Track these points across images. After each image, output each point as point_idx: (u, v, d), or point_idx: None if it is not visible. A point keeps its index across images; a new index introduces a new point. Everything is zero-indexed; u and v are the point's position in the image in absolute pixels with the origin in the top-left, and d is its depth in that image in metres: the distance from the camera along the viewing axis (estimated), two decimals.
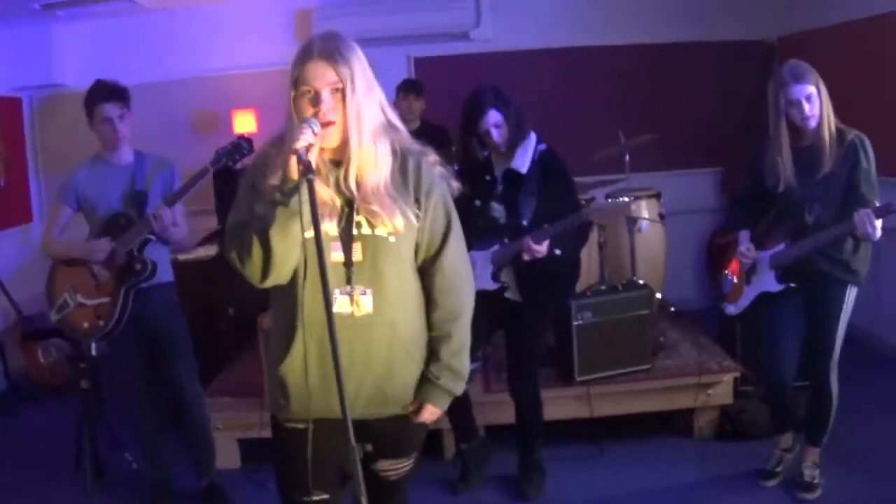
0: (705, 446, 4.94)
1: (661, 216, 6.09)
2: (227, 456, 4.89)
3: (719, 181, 7.62)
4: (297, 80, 2.43)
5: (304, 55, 2.43)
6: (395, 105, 6.44)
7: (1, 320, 6.75)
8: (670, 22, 7.36)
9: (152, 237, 4.25)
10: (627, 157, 5.84)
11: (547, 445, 4.58)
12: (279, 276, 2.45)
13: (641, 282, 5.45)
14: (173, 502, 4.56)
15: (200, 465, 4.60)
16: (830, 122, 3.89)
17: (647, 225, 5.92)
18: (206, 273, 5.55)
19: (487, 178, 4.29)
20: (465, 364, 2.70)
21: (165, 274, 4.45)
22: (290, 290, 2.50)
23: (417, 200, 2.57)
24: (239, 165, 4.35)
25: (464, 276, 2.71)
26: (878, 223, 3.70)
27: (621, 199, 4.00)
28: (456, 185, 2.76)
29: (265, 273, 2.42)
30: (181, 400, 4.48)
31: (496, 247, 4.21)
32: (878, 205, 3.75)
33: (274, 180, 2.43)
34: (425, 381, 2.65)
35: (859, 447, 4.66)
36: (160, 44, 7.01)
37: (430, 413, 2.68)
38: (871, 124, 3.99)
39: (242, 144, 4.21)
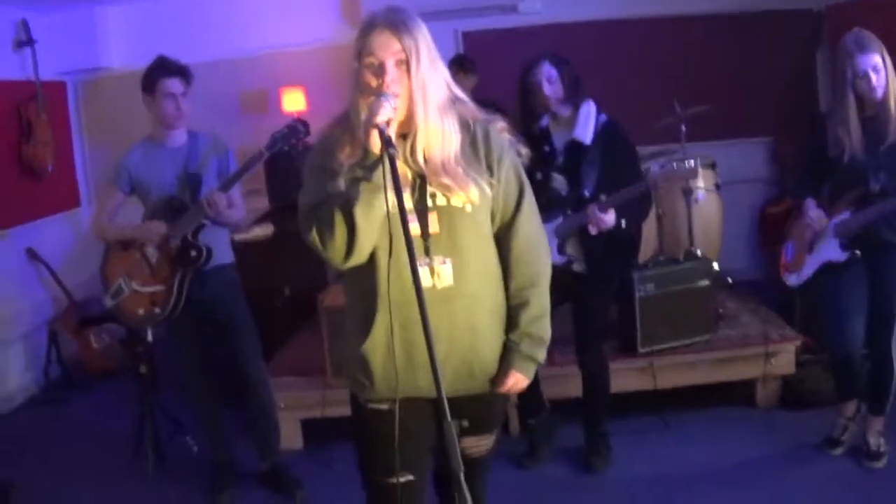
0: (769, 416, 4.91)
1: (717, 186, 6.05)
2: (289, 436, 4.87)
3: (770, 151, 7.50)
4: (360, 52, 2.40)
5: (368, 26, 2.40)
6: None
7: (53, 307, 6.78)
8: None
9: (207, 222, 4.21)
10: (683, 128, 5.77)
11: (611, 418, 4.55)
12: (361, 254, 2.41)
13: (699, 252, 5.40)
14: (236, 484, 4.55)
15: (264, 446, 4.57)
16: (895, 92, 3.84)
17: (703, 195, 5.86)
18: (262, 253, 5.55)
19: (546, 149, 4.25)
20: (545, 330, 2.67)
21: (225, 256, 4.42)
22: (368, 268, 2.47)
23: (490, 168, 2.54)
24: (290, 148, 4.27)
25: (539, 241, 2.69)
26: None
27: (688, 162, 3.96)
28: (525, 151, 2.75)
29: (349, 251, 2.38)
30: (246, 380, 4.45)
31: (559, 219, 4.17)
32: None
33: (343, 158, 2.42)
34: (507, 350, 2.62)
35: None
36: (205, 24, 6.99)
37: (515, 380, 2.64)
38: None
39: (298, 127, 4.12)
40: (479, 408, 2.69)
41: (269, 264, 5.55)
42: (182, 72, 4.25)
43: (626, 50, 7.03)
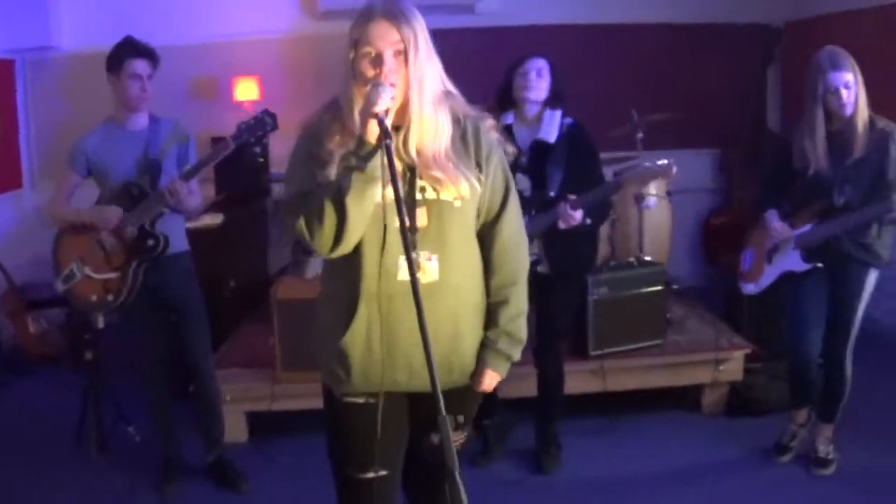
0: (715, 422, 4.99)
1: (669, 193, 6.12)
2: (234, 429, 4.80)
3: (716, 162, 7.61)
4: (357, 41, 2.37)
5: (367, 15, 2.37)
6: None
7: None
8: (679, 2, 7.32)
9: (166, 210, 4.14)
10: (640, 136, 5.83)
11: (562, 419, 4.59)
12: (349, 244, 2.38)
13: (648, 258, 5.46)
14: (182, 477, 4.48)
15: (209, 438, 4.51)
16: (864, 109, 3.94)
17: (654, 202, 5.92)
18: (209, 242, 5.44)
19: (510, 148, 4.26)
20: (523, 329, 2.67)
21: (180, 244, 4.34)
22: (353, 259, 2.43)
23: (479, 165, 2.54)
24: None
25: (521, 240, 2.70)
26: None
27: (660, 161, 4.03)
28: (511, 149, 2.76)
29: (337, 241, 2.35)
30: (195, 371, 4.39)
31: (524, 220, 4.17)
32: None
33: (333, 146, 2.40)
34: (484, 348, 2.62)
35: (871, 425, 4.71)
36: (159, 8, 6.84)
37: (491, 379, 2.65)
38: (877, 112, 4.04)
39: (265, 119, 4.07)
40: (456, 402, 2.67)
41: (216, 254, 5.46)
42: (149, 53, 4.16)
43: (583, 55, 7.05)
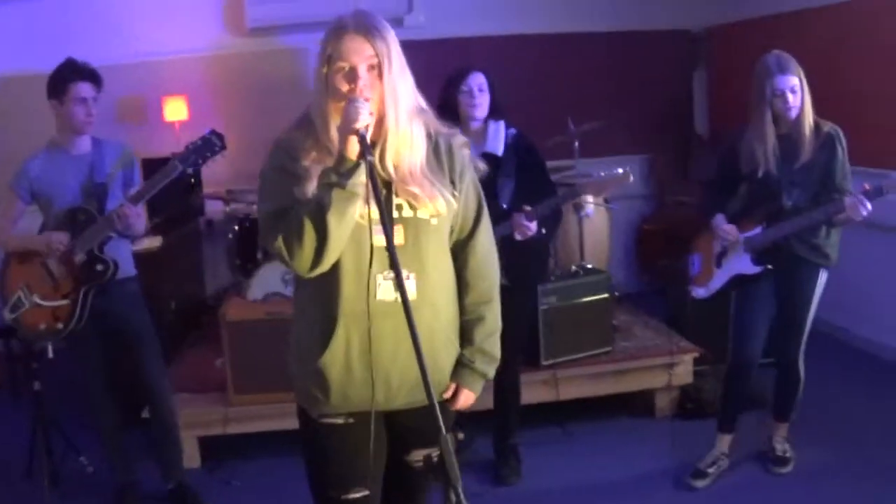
0: (668, 426, 5.01)
1: (607, 200, 6.17)
2: (186, 455, 4.65)
3: (647, 167, 7.71)
4: (330, 56, 2.33)
5: (339, 29, 2.34)
6: None
7: None
8: (602, 10, 7.42)
9: (114, 235, 4.04)
10: (577, 144, 5.88)
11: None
12: (329, 262, 2.34)
13: (589, 266, 5.50)
14: None
15: (168, 464, 4.40)
16: (809, 113, 4.00)
17: (592, 210, 5.97)
18: (150, 266, 5.32)
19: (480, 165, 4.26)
20: (497, 347, 2.68)
21: (128, 268, 4.25)
22: (328, 279, 2.39)
23: (452, 182, 2.52)
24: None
25: (493, 257, 2.70)
26: (868, 205, 3.81)
27: (616, 170, 4.09)
28: (482, 166, 2.74)
29: (317, 260, 2.30)
30: (150, 396, 4.30)
31: None
32: (867, 187, 3.84)
33: (308, 163, 2.36)
34: (460, 366, 2.61)
35: (824, 424, 4.83)
36: (81, 29, 6.63)
37: (466, 397, 2.63)
38: None
39: (213, 140, 3.98)
40: (428, 420, 2.65)
41: (156, 277, 5.34)
42: (93, 75, 4.06)
43: (511, 66, 7.08)
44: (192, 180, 6.43)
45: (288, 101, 6.82)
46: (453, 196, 2.49)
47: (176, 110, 6.72)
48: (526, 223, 4.03)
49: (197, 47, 6.94)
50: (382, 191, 2.37)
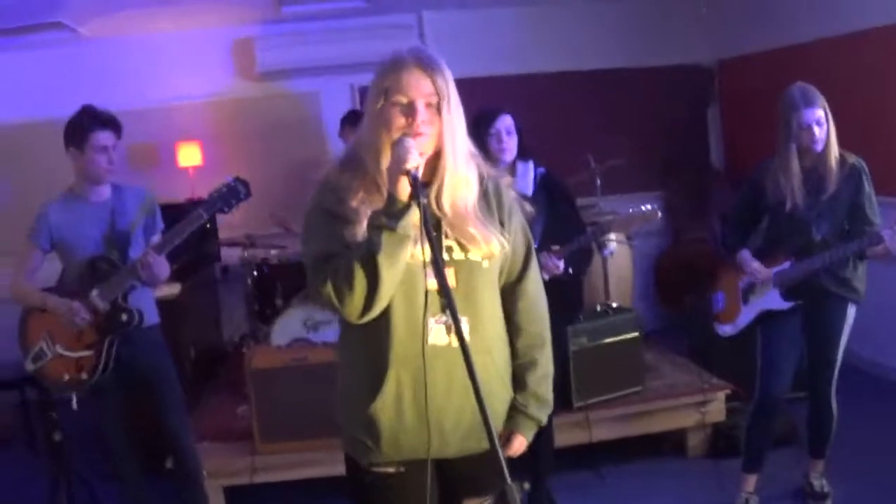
0: (702, 465, 4.92)
1: (629, 238, 6.11)
2: None
3: (661, 204, 7.63)
4: (387, 90, 2.27)
5: (397, 64, 2.28)
6: (341, 136, 6.29)
7: None
8: (613, 48, 7.38)
9: (137, 284, 3.97)
10: (598, 181, 5.83)
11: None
12: (380, 307, 2.26)
13: (615, 304, 5.42)
14: None
15: None
16: (834, 145, 3.95)
17: (615, 248, 5.90)
18: (169, 313, 5.23)
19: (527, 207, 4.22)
20: (550, 391, 2.61)
21: (152, 316, 4.17)
22: (378, 324, 2.31)
23: (501, 223, 2.45)
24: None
25: (543, 300, 2.62)
26: None
27: (643, 206, 4.05)
28: (529, 208, 2.69)
29: (368, 306, 2.22)
30: (174, 446, 4.20)
31: None
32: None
33: (356, 203, 2.29)
34: (514, 412, 2.54)
35: (859, 458, 4.70)
36: (94, 75, 6.61)
37: (520, 444, 2.56)
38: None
39: (238, 187, 3.93)
40: (484, 467, 2.55)
41: (175, 325, 5.25)
42: (113, 123, 4.00)
43: (525, 107, 7.04)
44: (208, 226, 6.36)
45: (301, 145, 7.00)
46: (504, 237, 2.42)
47: (189, 156, 6.67)
48: (554, 262, 3.98)
49: (209, 92, 6.91)
50: (432, 233, 2.31)
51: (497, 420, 2.50)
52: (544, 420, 2.58)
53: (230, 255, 6.60)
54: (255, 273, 5.91)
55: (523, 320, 2.54)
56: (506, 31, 7.26)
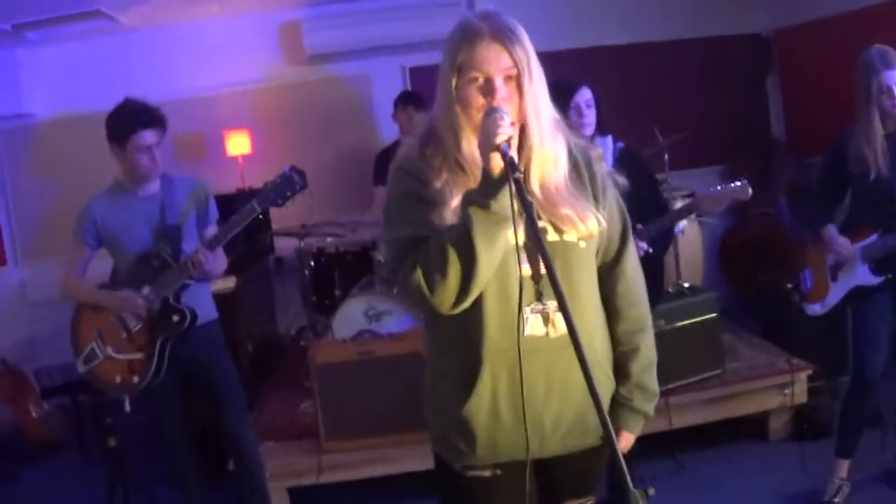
0: (785, 449, 4.70)
1: (699, 216, 5.87)
2: None
3: (724, 178, 7.36)
4: (461, 66, 2.07)
5: (470, 36, 2.07)
6: (395, 118, 6.11)
7: None
8: (669, 18, 7.11)
9: (191, 282, 3.81)
10: (666, 157, 5.59)
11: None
12: (474, 296, 2.05)
13: (686, 285, 5.19)
14: None
15: None
16: None
17: (683, 226, 5.67)
18: (224, 308, 5.09)
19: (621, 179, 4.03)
20: (655, 380, 2.39)
21: (209, 312, 4.02)
22: (469, 315, 2.10)
23: (595, 199, 2.23)
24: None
25: (642, 281, 2.42)
26: None
27: (734, 183, 3.84)
28: (623, 181, 2.46)
29: (462, 294, 2.02)
30: (235, 448, 4.06)
31: None
32: None
33: (441, 184, 2.09)
34: (617, 406, 2.33)
35: None
36: (137, 65, 6.48)
37: (626, 440, 2.37)
38: None
39: (294, 178, 3.72)
40: (586, 465, 2.37)
41: (231, 320, 5.10)
42: (157, 120, 3.82)
43: (584, 79, 6.83)
44: (261, 217, 6.20)
45: (352, 129, 6.81)
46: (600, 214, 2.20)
47: (239, 144, 6.50)
48: (638, 243, 3.75)
49: (256, 78, 6.75)
50: (523, 214, 2.10)
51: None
52: (651, 412, 2.38)
53: (284, 245, 6.44)
54: (313, 263, 5.73)
55: (623, 304, 2.33)
56: (560, 5, 7.00)
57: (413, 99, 6.19)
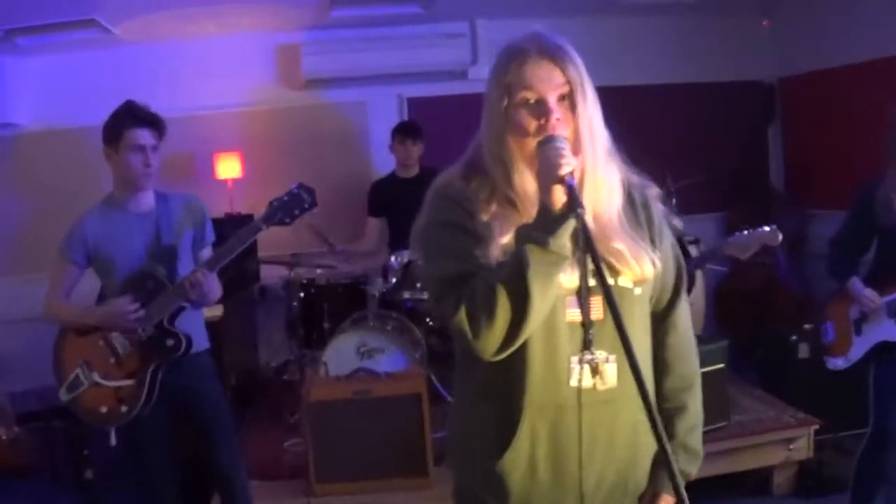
0: None
1: (716, 262, 5.75)
2: None
3: (723, 225, 7.25)
4: (510, 86, 1.92)
5: (519, 54, 1.93)
6: (392, 150, 5.94)
7: None
8: (675, 62, 7.00)
9: (187, 305, 3.58)
10: (674, 202, 5.46)
11: None
12: (520, 342, 1.86)
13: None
14: None
15: None
16: None
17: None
18: (211, 336, 4.88)
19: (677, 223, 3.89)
20: (700, 441, 2.23)
21: (202, 341, 3.80)
22: (512, 361, 1.91)
23: (652, 242, 2.06)
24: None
25: (692, 335, 2.24)
26: None
27: (761, 228, 3.71)
28: (679, 224, 2.28)
29: (510, 339, 1.83)
30: (226, 488, 3.82)
31: None
32: None
33: (488, 217, 1.92)
34: (660, 467, 2.13)
35: None
36: (128, 80, 6.13)
37: (665, 503, 2.16)
38: (869, 166, 3.84)
39: (302, 196, 3.56)
40: None
41: (217, 350, 4.83)
42: (155, 121, 3.61)
43: None
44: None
45: (345, 157, 6.62)
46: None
47: (229, 167, 6.28)
48: None
49: (250, 101, 6.53)
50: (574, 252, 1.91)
51: (641, 478, 2.14)
52: (693, 473, 2.20)
53: (268, 274, 6.21)
54: (302, 295, 5.51)
55: (672, 358, 2.17)
56: (571, 43, 6.86)
57: (412, 130, 6.03)
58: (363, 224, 6.24)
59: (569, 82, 1.92)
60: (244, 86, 6.53)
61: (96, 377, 3.58)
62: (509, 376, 1.94)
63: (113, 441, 3.69)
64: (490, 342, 1.84)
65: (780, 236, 3.81)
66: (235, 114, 6.55)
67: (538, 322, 1.84)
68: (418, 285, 5.20)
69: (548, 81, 1.90)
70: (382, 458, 4.08)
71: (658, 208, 2.15)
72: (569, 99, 1.92)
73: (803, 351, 5.18)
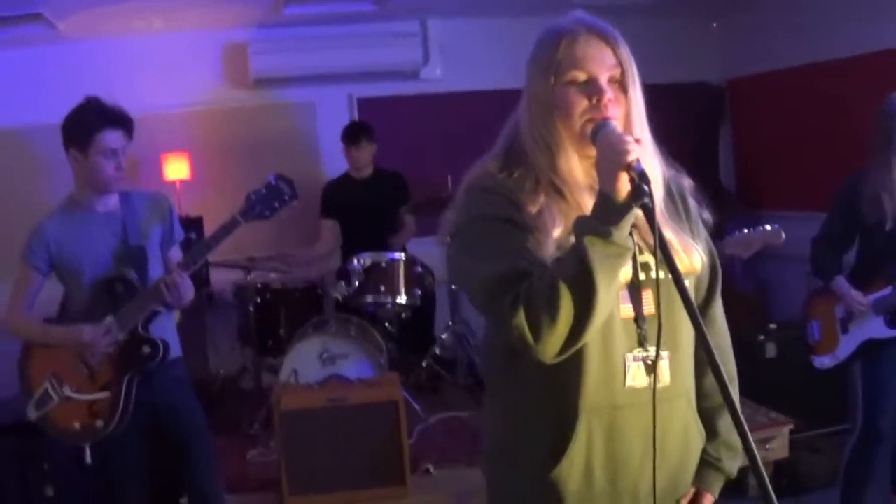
0: None
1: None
2: None
3: None
4: (559, 64, 1.82)
5: (569, 32, 1.84)
6: (345, 150, 5.80)
7: None
8: None
9: (161, 309, 3.38)
10: None
11: None
12: (582, 342, 1.74)
13: None
14: None
15: None
16: None
17: None
18: None
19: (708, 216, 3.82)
20: (738, 438, 2.12)
21: (175, 348, 3.58)
22: (566, 362, 1.77)
23: (691, 233, 1.98)
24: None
25: (727, 331, 2.16)
26: None
27: (762, 227, 3.65)
28: (708, 216, 2.20)
29: (572, 340, 1.70)
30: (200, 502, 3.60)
31: None
32: None
33: (536, 209, 1.81)
34: (704, 465, 2.06)
35: None
36: (72, 78, 5.86)
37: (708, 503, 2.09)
38: (819, 167, 3.74)
39: (281, 187, 3.36)
40: None
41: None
42: (125, 121, 3.41)
43: None
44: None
45: (295, 158, 6.45)
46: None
47: (177, 169, 6.08)
48: None
49: (197, 100, 6.35)
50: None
51: (689, 477, 2.05)
52: (734, 472, 2.12)
53: (218, 279, 6.00)
54: (259, 300, 5.33)
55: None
56: (515, 42, 6.77)
57: (365, 130, 5.91)
58: (314, 226, 6.11)
59: (620, 64, 1.84)
60: (192, 85, 6.36)
61: (68, 391, 3.36)
62: (562, 378, 1.83)
63: (88, 459, 3.45)
64: (552, 344, 1.71)
65: (783, 235, 3.77)
66: (183, 114, 6.37)
67: (602, 320, 1.73)
68: (382, 288, 5.07)
69: (599, 61, 1.82)
70: (358, 467, 3.96)
71: (692, 199, 2.09)
72: (620, 81, 1.84)
73: (770, 350, 5.16)
